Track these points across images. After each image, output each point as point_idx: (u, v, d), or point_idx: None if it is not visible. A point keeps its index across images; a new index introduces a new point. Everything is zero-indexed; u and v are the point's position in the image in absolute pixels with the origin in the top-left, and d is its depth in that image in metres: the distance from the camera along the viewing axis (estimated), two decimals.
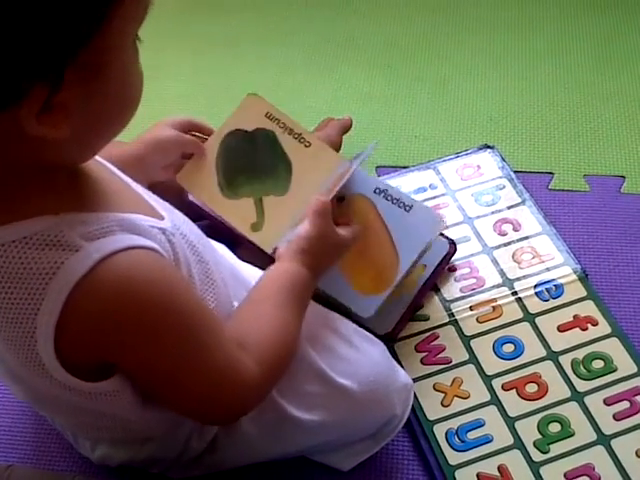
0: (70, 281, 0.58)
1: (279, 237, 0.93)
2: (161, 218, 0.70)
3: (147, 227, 0.65)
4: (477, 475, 0.90)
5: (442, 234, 1.05)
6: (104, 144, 0.63)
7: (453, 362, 0.99)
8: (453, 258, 1.07)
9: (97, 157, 0.68)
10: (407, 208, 0.98)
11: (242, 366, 0.69)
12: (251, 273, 0.91)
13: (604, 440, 0.91)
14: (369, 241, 0.96)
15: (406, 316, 1.01)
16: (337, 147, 1.15)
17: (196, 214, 0.96)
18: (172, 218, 0.72)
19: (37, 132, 0.54)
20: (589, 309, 1.02)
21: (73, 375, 0.64)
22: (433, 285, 1.05)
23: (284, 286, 0.78)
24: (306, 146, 0.99)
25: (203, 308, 0.68)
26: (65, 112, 0.54)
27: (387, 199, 0.98)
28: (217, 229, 0.96)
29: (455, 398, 0.95)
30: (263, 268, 0.94)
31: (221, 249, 0.92)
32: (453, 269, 1.07)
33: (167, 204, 0.75)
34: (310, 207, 0.85)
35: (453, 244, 1.06)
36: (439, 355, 0.99)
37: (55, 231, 0.59)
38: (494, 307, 1.03)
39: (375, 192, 0.98)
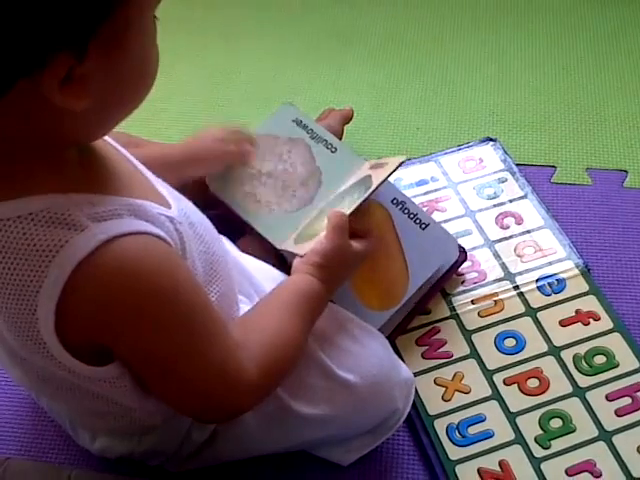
0: (73, 260, 0.57)
1: (292, 233, 0.92)
2: (169, 206, 0.69)
3: (156, 214, 0.64)
4: (478, 470, 0.89)
5: None
6: (118, 121, 0.63)
7: (454, 356, 0.98)
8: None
9: (108, 138, 0.68)
10: (423, 226, 0.96)
11: (239, 366, 0.68)
12: (254, 266, 0.90)
13: (605, 436, 0.91)
14: (381, 254, 0.93)
15: (406, 322, 0.99)
16: (338, 137, 1.14)
17: (207, 202, 0.94)
18: (180, 206, 0.71)
19: (59, 101, 0.54)
20: (591, 304, 1.02)
21: (74, 356, 0.63)
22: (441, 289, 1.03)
23: (295, 297, 0.76)
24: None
25: (206, 302, 0.67)
26: (86, 84, 0.55)
27: (404, 212, 0.96)
28: (224, 220, 0.94)
29: (456, 393, 0.95)
30: (265, 261, 0.93)
31: (225, 241, 0.91)
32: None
33: (175, 191, 0.74)
34: (328, 221, 0.83)
35: (464, 252, 1.04)
36: (440, 349, 0.99)
37: (62, 209, 0.58)
38: (496, 301, 1.03)
39: (393, 202, 0.96)
